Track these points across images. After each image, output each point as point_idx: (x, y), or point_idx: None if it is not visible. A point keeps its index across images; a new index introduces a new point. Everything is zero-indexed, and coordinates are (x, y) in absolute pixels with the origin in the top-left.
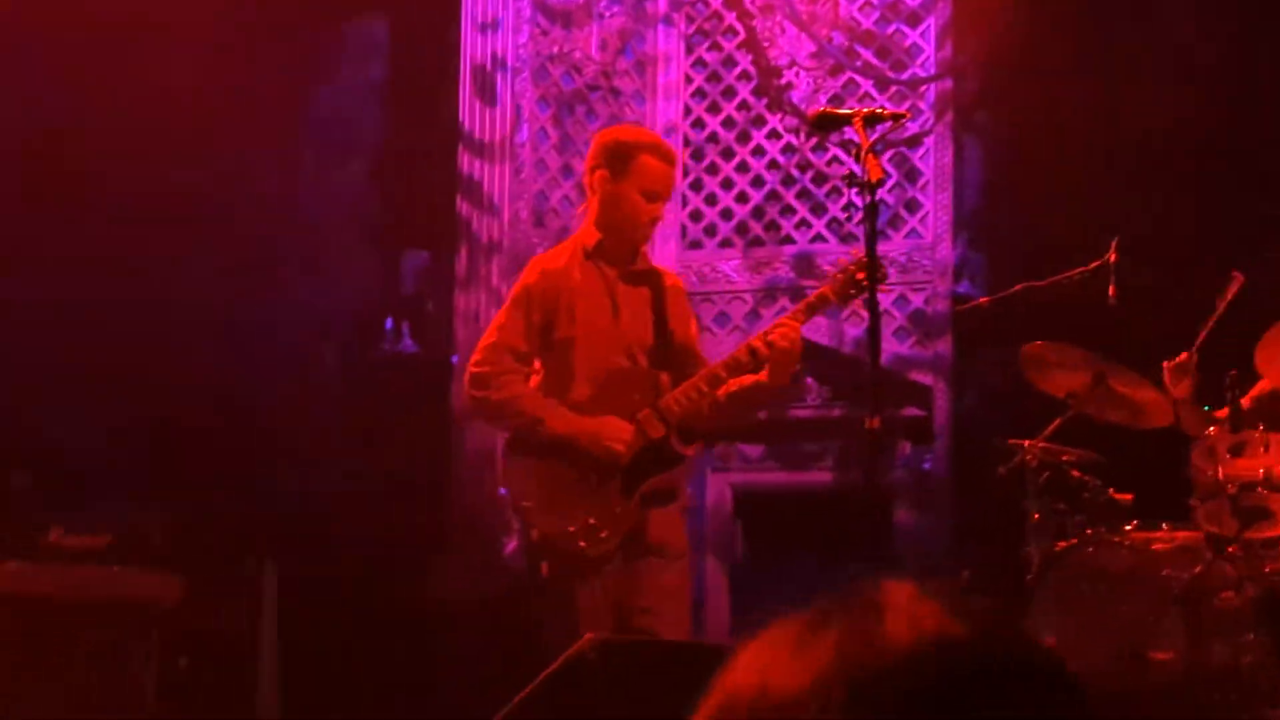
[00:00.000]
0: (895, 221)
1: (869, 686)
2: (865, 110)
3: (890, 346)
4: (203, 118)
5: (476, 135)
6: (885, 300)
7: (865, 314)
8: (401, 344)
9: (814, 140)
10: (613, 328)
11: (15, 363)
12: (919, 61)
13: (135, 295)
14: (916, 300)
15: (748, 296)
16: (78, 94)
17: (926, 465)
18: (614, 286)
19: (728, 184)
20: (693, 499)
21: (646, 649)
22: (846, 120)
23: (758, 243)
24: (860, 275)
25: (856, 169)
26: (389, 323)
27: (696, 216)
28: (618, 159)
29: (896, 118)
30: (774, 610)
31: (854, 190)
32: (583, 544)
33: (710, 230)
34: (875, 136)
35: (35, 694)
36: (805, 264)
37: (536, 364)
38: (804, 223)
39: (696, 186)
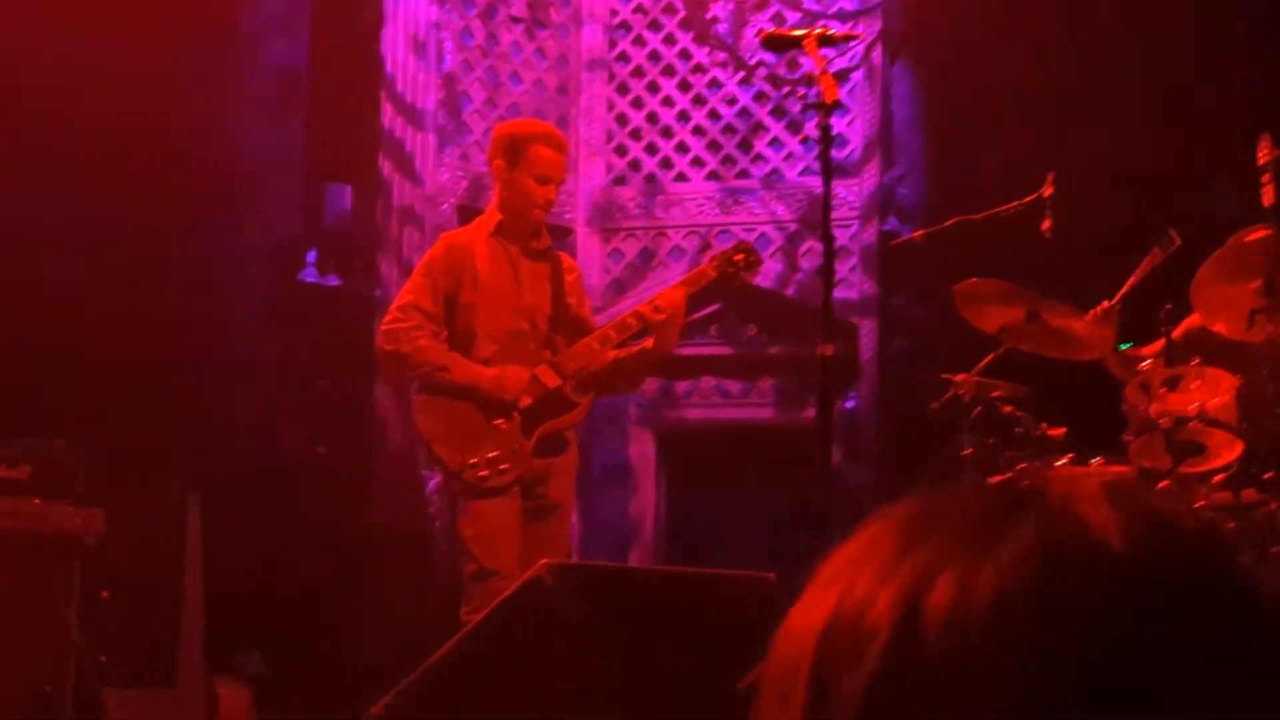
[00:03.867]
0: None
1: (1072, 597)
2: (817, 31)
3: (815, 283)
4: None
5: (402, 92)
6: (812, 236)
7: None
8: (326, 277)
9: (741, 75)
10: (514, 295)
11: None
12: None
13: (62, 232)
14: (843, 237)
15: (671, 233)
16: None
17: (850, 404)
18: (516, 261)
19: (653, 118)
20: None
21: (606, 574)
22: (797, 42)
23: (682, 179)
24: (738, 257)
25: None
26: (312, 254)
27: (621, 151)
28: (512, 149)
29: (847, 38)
30: (700, 546)
31: (812, 110)
32: (484, 473)
33: (635, 165)
34: (830, 58)
35: None
36: (732, 200)
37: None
38: (729, 159)
39: (622, 121)
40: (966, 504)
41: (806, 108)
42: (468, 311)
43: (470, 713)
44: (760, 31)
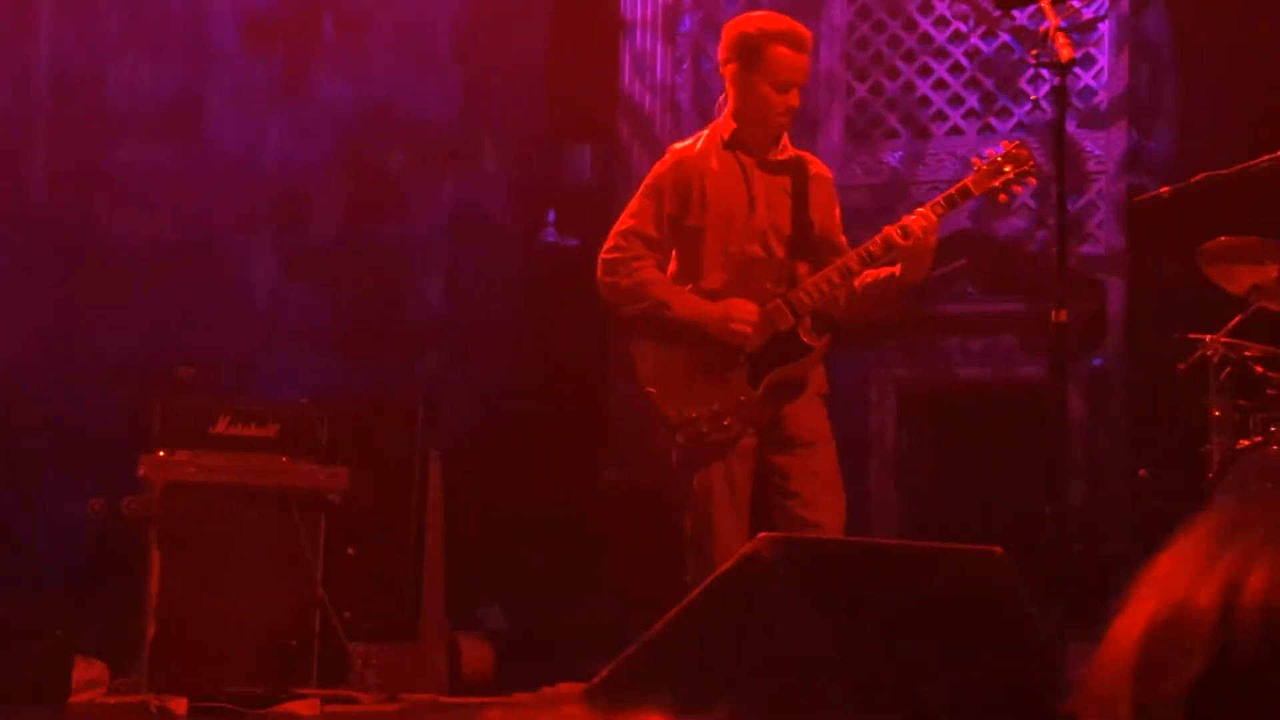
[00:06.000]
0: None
1: None
2: None
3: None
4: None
5: (641, 52)
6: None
7: (1034, 205)
8: (564, 237)
9: (982, 28)
10: (747, 216)
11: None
12: None
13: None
14: (1090, 192)
15: (910, 189)
16: None
17: (1097, 362)
18: (751, 175)
19: (893, 73)
20: (832, 387)
21: (824, 547)
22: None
23: (924, 134)
24: (1008, 167)
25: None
26: (552, 215)
27: (861, 108)
28: (747, 51)
29: None
30: (944, 509)
31: (1041, 69)
32: (705, 429)
33: (876, 121)
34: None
35: (206, 579)
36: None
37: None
38: (973, 113)
39: (861, 76)
40: (1272, 506)
41: (1039, 65)
42: (694, 236)
43: (686, 689)
44: None
